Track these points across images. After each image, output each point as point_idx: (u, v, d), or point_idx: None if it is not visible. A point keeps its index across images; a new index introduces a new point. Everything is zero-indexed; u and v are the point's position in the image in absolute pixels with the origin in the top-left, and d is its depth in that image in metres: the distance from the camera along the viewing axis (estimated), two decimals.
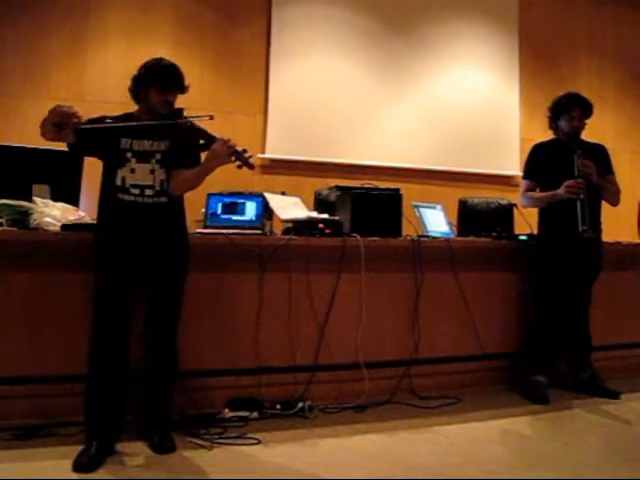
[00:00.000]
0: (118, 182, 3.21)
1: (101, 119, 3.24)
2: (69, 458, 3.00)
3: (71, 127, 3.08)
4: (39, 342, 3.42)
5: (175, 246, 3.35)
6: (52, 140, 3.16)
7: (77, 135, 3.13)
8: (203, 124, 3.32)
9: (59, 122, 3.06)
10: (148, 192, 3.23)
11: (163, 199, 3.27)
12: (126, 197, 3.21)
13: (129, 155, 3.22)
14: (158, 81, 3.23)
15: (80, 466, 2.96)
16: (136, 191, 3.22)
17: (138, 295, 3.29)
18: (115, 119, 3.27)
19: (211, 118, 3.27)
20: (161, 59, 3.32)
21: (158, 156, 3.27)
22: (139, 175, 3.22)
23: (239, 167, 3.32)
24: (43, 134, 3.11)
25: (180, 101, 3.37)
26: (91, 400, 3.18)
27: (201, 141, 3.35)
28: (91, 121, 3.18)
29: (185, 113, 3.32)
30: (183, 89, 3.33)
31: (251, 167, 3.35)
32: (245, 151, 3.29)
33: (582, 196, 4.11)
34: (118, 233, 3.23)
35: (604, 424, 3.86)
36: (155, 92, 3.24)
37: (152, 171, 3.25)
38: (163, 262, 3.28)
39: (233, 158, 3.26)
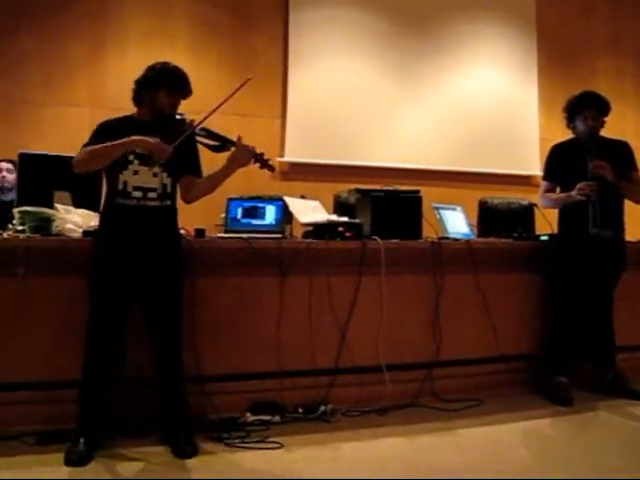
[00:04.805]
0: (120, 187, 3.24)
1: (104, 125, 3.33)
2: (90, 464, 3.06)
3: (155, 162, 3.22)
4: (61, 348, 3.44)
5: (175, 247, 3.41)
6: (92, 169, 3.24)
7: None
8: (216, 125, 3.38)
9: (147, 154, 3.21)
10: (151, 195, 3.28)
11: (167, 202, 3.34)
12: (127, 201, 3.24)
13: (131, 157, 3.26)
14: (168, 83, 3.30)
15: (71, 462, 3.04)
16: (138, 194, 3.25)
17: (138, 299, 3.34)
18: (116, 121, 3.33)
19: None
20: (168, 63, 3.38)
21: (161, 160, 3.30)
22: (142, 177, 3.26)
23: (261, 168, 3.43)
24: (97, 158, 3.18)
25: (198, 105, 3.44)
26: (85, 399, 3.25)
27: (214, 143, 3.39)
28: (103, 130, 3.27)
29: (187, 120, 3.38)
30: (189, 94, 3.39)
31: (272, 169, 3.47)
32: (263, 154, 3.39)
33: (592, 198, 4.10)
34: (120, 236, 3.26)
35: (629, 426, 3.82)
36: (164, 93, 3.29)
37: (155, 174, 3.29)
38: (164, 263, 3.32)
39: (253, 161, 3.35)
